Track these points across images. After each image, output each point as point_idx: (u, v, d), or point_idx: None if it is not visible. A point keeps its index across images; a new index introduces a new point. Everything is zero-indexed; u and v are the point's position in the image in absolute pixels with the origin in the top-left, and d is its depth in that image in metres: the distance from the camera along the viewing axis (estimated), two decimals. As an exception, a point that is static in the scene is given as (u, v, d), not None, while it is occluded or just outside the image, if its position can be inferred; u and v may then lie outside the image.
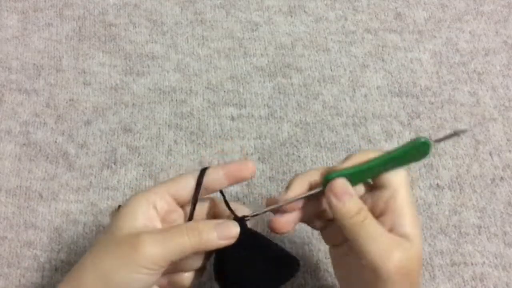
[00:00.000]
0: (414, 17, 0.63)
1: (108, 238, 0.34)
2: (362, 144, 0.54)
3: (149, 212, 0.34)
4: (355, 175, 0.36)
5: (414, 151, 0.35)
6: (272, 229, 0.37)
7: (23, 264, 0.48)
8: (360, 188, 0.37)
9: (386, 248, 0.34)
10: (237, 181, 0.37)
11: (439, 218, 0.50)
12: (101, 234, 0.49)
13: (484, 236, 0.49)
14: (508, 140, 0.55)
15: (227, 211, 0.37)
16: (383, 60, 0.60)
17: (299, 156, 0.53)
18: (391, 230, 0.35)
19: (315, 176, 0.37)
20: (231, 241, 0.34)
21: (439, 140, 0.35)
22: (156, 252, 0.32)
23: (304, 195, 0.37)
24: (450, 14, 0.63)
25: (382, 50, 0.61)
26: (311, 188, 0.37)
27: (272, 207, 0.37)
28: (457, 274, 0.47)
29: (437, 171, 0.53)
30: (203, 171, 0.36)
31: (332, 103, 0.57)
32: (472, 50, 0.61)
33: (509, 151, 0.54)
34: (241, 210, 0.37)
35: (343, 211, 0.35)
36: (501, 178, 0.52)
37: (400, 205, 0.35)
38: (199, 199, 0.36)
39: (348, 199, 0.35)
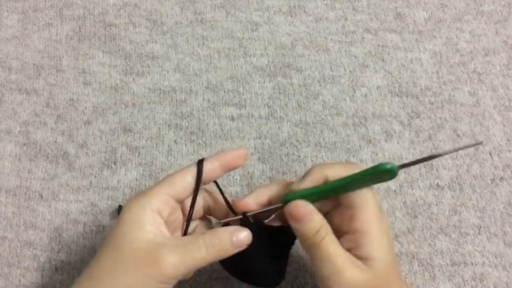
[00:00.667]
0: (414, 17, 0.63)
1: (118, 252, 0.33)
2: (362, 144, 0.54)
3: (155, 219, 0.34)
4: (315, 195, 0.36)
5: (377, 176, 0.34)
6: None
7: (23, 264, 0.48)
8: (326, 205, 0.37)
9: (338, 268, 0.33)
10: (231, 169, 0.38)
11: (439, 218, 0.50)
12: (100, 235, 0.49)
13: (484, 236, 0.49)
14: (508, 140, 0.55)
15: (222, 202, 0.39)
16: (383, 60, 0.60)
17: (299, 156, 0.53)
18: (350, 249, 0.35)
19: (274, 190, 0.38)
20: (245, 246, 0.35)
21: (403, 166, 0.34)
22: (176, 268, 0.32)
23: (264, 209, 0.37)
24: (450, 14, 0.63)
25: (382, 50, 0.61)
26: (270, 202, 0.38)
27: (268, 208, 0.38)
28: (457, 274, 0.47)
29: (437, 171, 0.53)
30: (200, 165, 0.36)
31: (332, 103, 0.57)
32: (472, 50, 0.61)
33: (509, 151, 0.54)
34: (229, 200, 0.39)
35: (301, 232, 0.35)
36: (501, 178, 0.52)
37: (361, 226, 0.35)
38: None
39: (307, 221, 0.34)
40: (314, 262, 0.34)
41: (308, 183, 0.36)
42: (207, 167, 0.36)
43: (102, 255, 0.34)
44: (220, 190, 0.39)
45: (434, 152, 0.54)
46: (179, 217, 0.38)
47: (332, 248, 0.34)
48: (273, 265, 0.39)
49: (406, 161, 0.36)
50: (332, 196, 0.36)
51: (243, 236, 0.35)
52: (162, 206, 0.35)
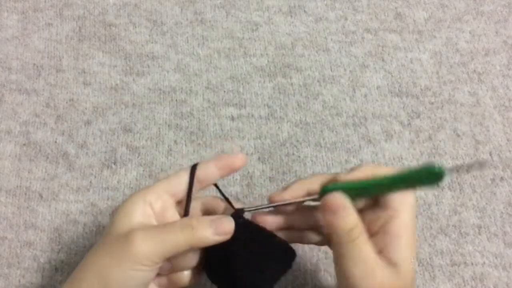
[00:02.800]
0: (414, 17, 0.63)
1: (105, 237, 0.34)
2: (362, 144, 0.54)
3: (145, 211, 0.35)
4: (356, 191, 0.34)
5: (424, 177, 0.31)
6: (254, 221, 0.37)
7: (23, 264, 0.48)
8: (361, 202, 0.36)
9: (370, 271, 0.33)
10: (229, 172, 0.37)
11: (439, 218, 0.50)
12: (101, 235, 0.49)
13: (484, 236, 0.49)
14: (508, 140, 0.55)
15: (222, 207, 0.38)
16: (383, 60, 0.60)
17: (299, 156, 0.53)
18: (380, 252, 0.34)
19: (315, 183, 0.36)
20: (227, 236, 0.34)
21: (454, 170, 0.31)
22: (149, 248, 0.32)
23: (299, 200, 0.36)
24: (450, 14, 0.63)
25: (382, 50, 0.61)
26: (309, 195, 0.37)
27: (268, 205, 0.37)
28: (457, 274, 0.47)
29: (437, 171, 0.53)
30: (193, 168, 0.36)
31: (332, 103, 0.57)
32: (472, 50, 0.61)
33: (509, 151, 0.54)
34: (235, 206, 0.37)
35: (336, 226, 0.33)
36: (501, 178, 0.52)
37: (396, 229, 0.34)
38: (194, 195, 0.36)
39: (343, 216, 0.33)
40: (344, 261, 0.33)
41: (353, 177, 0.35)
42: (202, 171, 0.36)
43: (95, 244, 0.35)
44: (221, 192, 0.39)
45: (434, 152, 0.54)
46: (175, 219, 0.38)
47: (366, 249, 0.33)
48: (262, 276, 0.36)
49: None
50: (374, 195, 0.35)
51: (223, 223, 0.34)
52: (154, 199, 0.35)
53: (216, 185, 0.39)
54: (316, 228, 0.39)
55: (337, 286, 0.38)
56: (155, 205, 0.35)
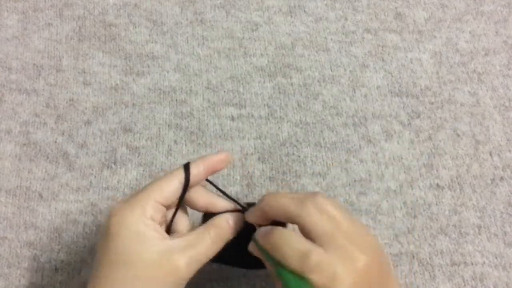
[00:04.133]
0: (414, 17, 0.63)
1: (131, 268, 0.32)
2: (362, 144, 0.54)
3: (155, 227, 0.35)
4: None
5: None
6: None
7: (23, 264, 0.48)
8: None
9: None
10: (213, 172, 0.38)
11: (439, 218, 0.50)
12: (98, 236, 0.49)
13: (484, 236, 0.49)
14: (508, 140, 0.55)
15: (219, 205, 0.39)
16: (383, 60, 0.60)
17: (299, 156, 0.53)
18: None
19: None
20: (240, 227, 0.37)
21: None
22: (191, 269, 0.34)
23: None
24: (450, 14, 0.63)
25: (382, 50, 0.61)
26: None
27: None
28: (457, 274, 0.47)
29: (437, 171, 0.53)
30: (187, 169, 0.37)
31: (332, 103, 0.57)
32: (472, 50, 0.61)
33: (509, 151, 0.54)
34: (221, 203, 0.40)
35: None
36: (501, 178, 0.52)
37: None
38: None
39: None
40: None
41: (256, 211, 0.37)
42: (193, 171, 0.37)
43: (108, 275, 0.33)
44: (222, 191, 0.39)
45: (434, 152, 0.54)
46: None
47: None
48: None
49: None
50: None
51: (236, 218, 0.37)
52: (154, 213, 0.35)
53: (216, 186, 0.39)
54: None
55: None
56: (156, 219, 0.35)
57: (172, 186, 0.36)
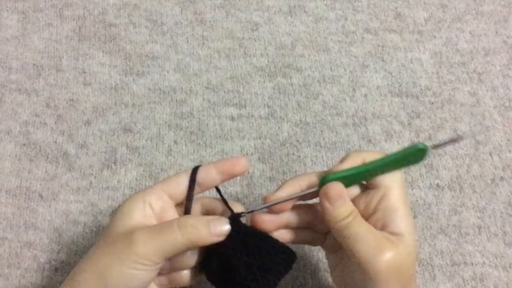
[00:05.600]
0: (414, 17, 0.63)
1: (105, 237, 0.34)
2: (362, 144, 0.54)
3: (145, 211, 0.35)
4: (351, 178, 0.36)
5: (411, 156, 0.35)
6: (252, 222, 0.37)
7: (23, 264, 0.48)
8: (355, 189, 0.38)
9: (374, 246, 0.34)
10: (230, 177, 0.37)
11: (439, 218, 0.50)
12: (101, 235, 0.49)
13: (484, 236, 0.49)
14: (508, 140, 0.55)
15: (220, 209, 0.38)
16: (383, 60, 0.60)
17: (299, 156, 0.53)
18: (382, 228, 0.35)
19: (311, 179, 0.37)
20: (222, 237, 0.35)
21: (436, 146, 0.36)
22: (149, 248, 0.33)
23: (297, 195, 0.37)
24: (450, 14, 0.63)
25: (382, 50, 0.61)
26: (308, 188, 0.37)
27: (266, 205, 0.37)
28: (457, 274, 0.47)
29: (437, 171, 0.53)
30: (195, 170, 0.37)
31: (332, 103, 0.57)
32: (472, 50, 0.61)
33: (509, 151, 0.54)
34: (236, 208, 0.37)
35: (334, 214, 0.35)
36: (501, 178, 0.52)
37: (392, 203, 0.36)
38: (194, 197, 0.37)
39: (340, 204, 0.35)
40: (348, 241, 0.34)
41: (346, 166, 0.36)
42: (203, 173, 0.37)
43: (97, 241, 0.35)
44: (221, 195, 0.38)
45: (434, 151, 0.53)
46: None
47: (365, 226, 0.35)
48: (262, 279, 0.36)
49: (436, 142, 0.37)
50: (367, 178, 0.37)
51: (220, 223, 0.35)
52: (154, 200, 0.35)
53: (217, 189, 0.39)
54: (311, 226, 0.39)
55: (338, 281, 0.38)
56: (155, 206, 0.35)
57: (180, 181, 0.36)
